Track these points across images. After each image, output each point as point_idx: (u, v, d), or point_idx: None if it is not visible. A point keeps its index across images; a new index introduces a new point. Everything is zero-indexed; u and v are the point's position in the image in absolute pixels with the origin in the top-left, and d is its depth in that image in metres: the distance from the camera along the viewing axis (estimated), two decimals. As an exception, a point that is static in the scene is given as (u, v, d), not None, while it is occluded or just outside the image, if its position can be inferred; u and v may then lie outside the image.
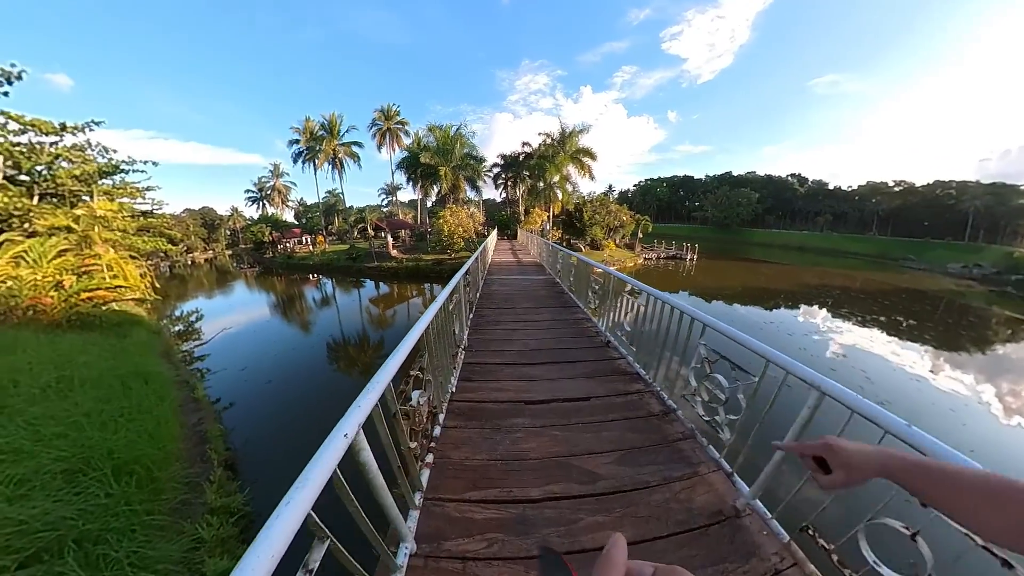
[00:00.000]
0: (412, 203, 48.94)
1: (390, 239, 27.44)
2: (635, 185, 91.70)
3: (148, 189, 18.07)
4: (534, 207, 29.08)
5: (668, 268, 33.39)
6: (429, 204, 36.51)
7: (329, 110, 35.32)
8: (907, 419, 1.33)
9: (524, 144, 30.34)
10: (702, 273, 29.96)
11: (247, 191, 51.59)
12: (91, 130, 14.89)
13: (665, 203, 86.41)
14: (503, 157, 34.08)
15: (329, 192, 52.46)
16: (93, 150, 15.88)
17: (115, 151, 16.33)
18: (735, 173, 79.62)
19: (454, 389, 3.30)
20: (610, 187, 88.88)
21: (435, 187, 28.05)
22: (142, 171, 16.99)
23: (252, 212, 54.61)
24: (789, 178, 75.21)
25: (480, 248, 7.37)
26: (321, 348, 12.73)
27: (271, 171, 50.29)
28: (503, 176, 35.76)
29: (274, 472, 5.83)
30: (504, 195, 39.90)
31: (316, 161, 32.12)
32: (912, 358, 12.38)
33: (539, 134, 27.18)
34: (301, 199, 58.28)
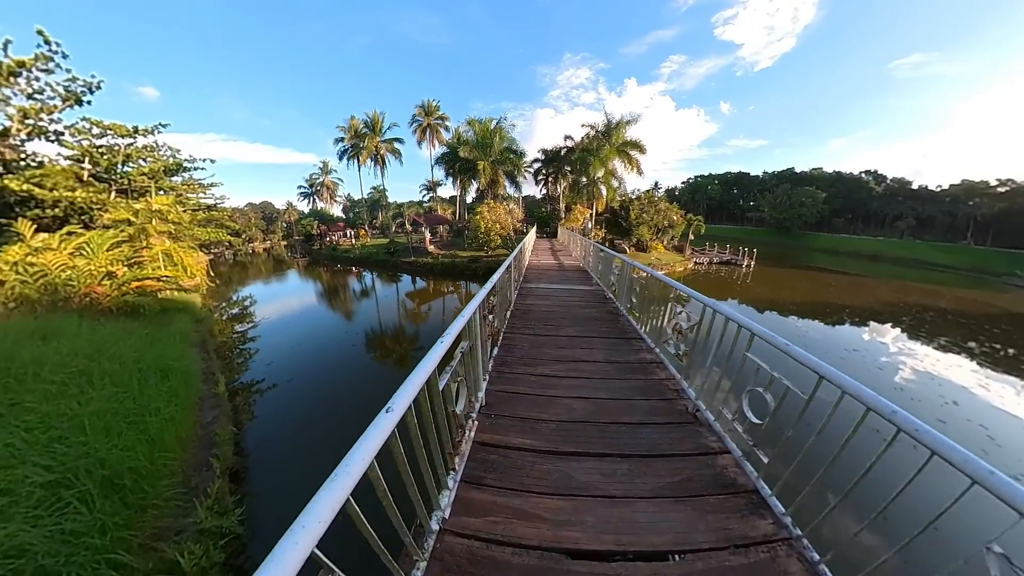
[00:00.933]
0: (452, 199, 49.49)
1: (427, 234, 27.46)
2: (683, 182, 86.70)
3: (212, 185, 19.22)
4: (576, 204, 27.77)
5: (720, 274, 30.70)
6: (469, 200, 36.39)
7: (377, 110, 35.98)
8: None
9: (566, 138, 29.14)
10: (759, 282, 27.14)
11: (299, 187, 54.62)
12: (159, 132, 15.90)
13: (716, 202, 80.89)
14: (543, 152, 33.03)
15: (374, 188, 54.29)
16: (161, 150, 17.02)
17: (179, 150, 17.37)
18: (798, 170, 72.43)
19: (446, 516, 1.95)
20: (656, 184, 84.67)
21: (474, 182, 27.70)
22: (202, 168, 18.00)
23: (305, 207, 57.89)
24: (863, 175, 67.28)
25: (515, 250, 6.35)
26: (359, 337, 13.16)
27: (320, 168, 52.75)
28: (543, 172, 34.71)
29: (284, 479, 5.45)
30: (544, 191, 38.85)
31: (359, 158, 32.91)
32: (1004, 391, 10.46)
33: (582, 125, 25.92)
34: (348, 195, 60.84)
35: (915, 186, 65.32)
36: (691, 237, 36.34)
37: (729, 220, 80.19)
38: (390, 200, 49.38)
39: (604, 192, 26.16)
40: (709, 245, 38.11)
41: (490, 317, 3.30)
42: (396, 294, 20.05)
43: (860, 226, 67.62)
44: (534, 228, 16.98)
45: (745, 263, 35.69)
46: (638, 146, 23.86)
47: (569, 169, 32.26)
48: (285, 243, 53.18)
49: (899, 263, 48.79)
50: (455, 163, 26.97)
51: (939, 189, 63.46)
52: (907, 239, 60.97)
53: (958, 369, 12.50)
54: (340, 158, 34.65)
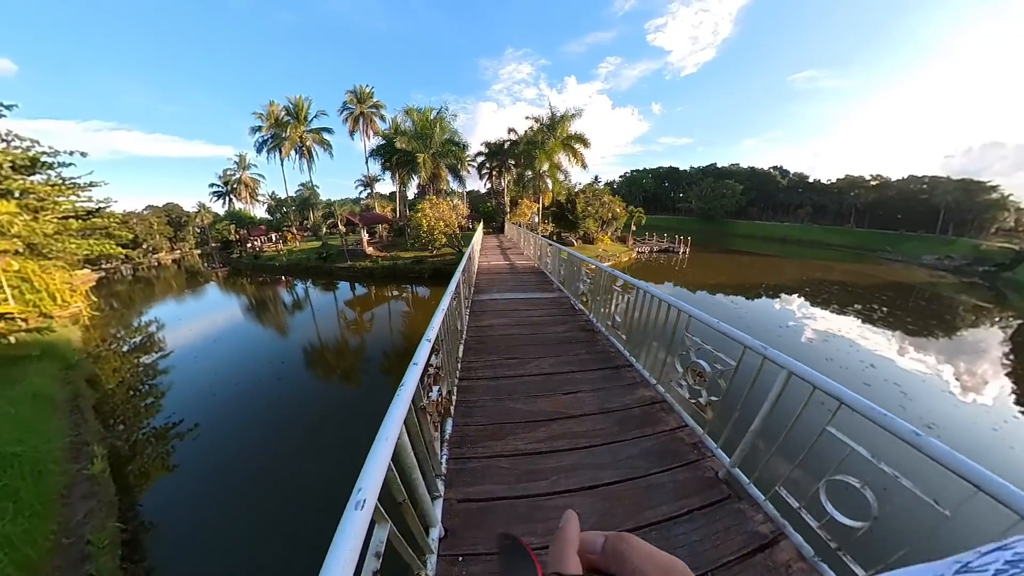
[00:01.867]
0: (393, 196, 45.95)
1: (365, 235, 24.74)
2: (621, 176, 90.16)
3: (92, 185, 15.07)
4: (522, 198, 26.85)
5: (660, 262, 32.56)
6: (411, 197, 33.92)
7: (301, 95, 31.55)
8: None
9: (510, 131, 28.02)
10: (693, 266, 30.07)
11: (211, 185, 47.17)
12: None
13: (651, 194, 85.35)
14: (487, 145, 31.64)
15: (303, 185, 48.28)
16: (6, 140, 12.81)
17: (36, 141, 13.25)
18: (719, 165, 79.04)
19: None
20: (596, 178, 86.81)
21: (414, 177, 25.46)
22: (71, 163, 14.00)
23: (220, 208, 50.45)
24: (771, 170, 75.01)
25: (463, 259, 4.89)
26: (295, 355, 11.40)
27: (236, 163, 45.95)
28: (487, 165, 33.36)
29: (204, 546, 4.33)
30: (488, 186, 37.54)
31: (281, 149, 29.05)
32: (880, 342, 13.34)
33: (527, 118, 24.89)
34: (273, 193, 54.04)
35: (811, 180, 73.84)
36: (633, 228, 37.39)
37: (662, 211, 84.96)
38: (322, 198, 44.53)
39: (550, 185, 25.49)
40: (648, 235, 39.71)
41: (435, 390, 2.05)
42: (334, 303, 17.76)
43: (770, 214, 75.22)
44: (481, 225, 15.71)
45: (681, 250, 37.77)
46: (582, 140, 23.45)
47: (513, 163, 31.24)
48: (199, 252, 46.28)
49: (802, 244, 57.31)
50: (392, 156, 24.54)
51: (829, 182, 72.36)
52: (807, 224, 69.30)
53: (848, 326, 15.50)
54: (259, 150, 30.37)
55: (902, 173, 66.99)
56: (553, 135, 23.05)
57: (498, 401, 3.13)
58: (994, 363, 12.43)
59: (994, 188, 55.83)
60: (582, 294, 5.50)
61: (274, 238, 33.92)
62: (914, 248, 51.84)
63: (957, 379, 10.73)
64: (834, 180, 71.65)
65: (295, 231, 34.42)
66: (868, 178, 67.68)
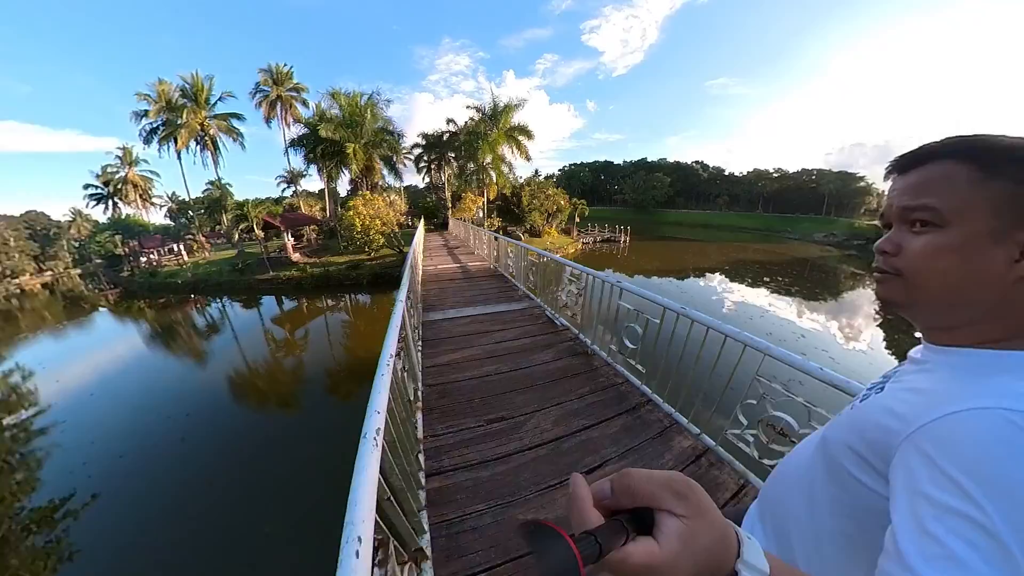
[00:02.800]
0: (323, 194, 41.06)
1: (289, 240, 21.20)
2: (560, 170, 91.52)
3: None
4: (465, 192, 25.15)
5: (603, 251, 33.21)
6: (344, 194, 30.49)
7: (199, 72, 25.96)
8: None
9: (449, 121, 26.11)
10: (634, 253, 32.10)
11: (87, 187, 37.36)
12: None
13: (589, 187, 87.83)
14: (425, 137, 29.39)
15: (211, 183, 39.63)
16: None
17: None
18: (649, 159, 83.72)
19: None
20: (536, 171, 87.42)
21: (344, 171, 22.54)
22: None
23: (103, 216, 40.87)
24: (694, 164, 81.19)
25: (406, 271, 3.68)
26: (216, 386, 9.25)
27: (119, 158, 37.43)
28: (425, 158, 31.11)
29: None
30: (428, 180, 35.24)
31: (176, 140, 24.17)
32: (784, 306, 16.26)
33: (467, 107, 23.10)
34: (173, 194, 45.53)
35: (727, 173, 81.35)
36: (577, 220, 37.59)
37: (600, 202, 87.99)
38: (238, 198, 38.14)
39: (494, 178, 24.12)
40: (591, 226, 40.37)
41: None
42: (259, 322, 14.87)
43: (694, 203, 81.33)
44: (422, 222, 13.98)
45: (623, 239, 38.91)
46: (526, 131, 22.34)
47: (454, 156, 29.38)
48: (79, 271, 37.85)
49: (721, 228, 63.21)
50: (317, 146, 21.36)
51: (741, 175, 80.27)
52: (724, 211, 76.31)
53: (760, 296, 18.01)
54: (147, 141, 24.90)
55: (797, 167, 77.50)
56: (496, 126, 21.63)
57: (496, 515, 1.83)
58: (867, 317, 15.36)
59: (861, 178, 67.19)
60: (565, 306, 4.35)
61: (177, 249, 28.25)
62: (807, 228, 60.43)
63: (841, 331, 13.36)
64: (745, 173, 79.74)
65: (203, 239, 29.10)
66: (771, 171, 76.43)
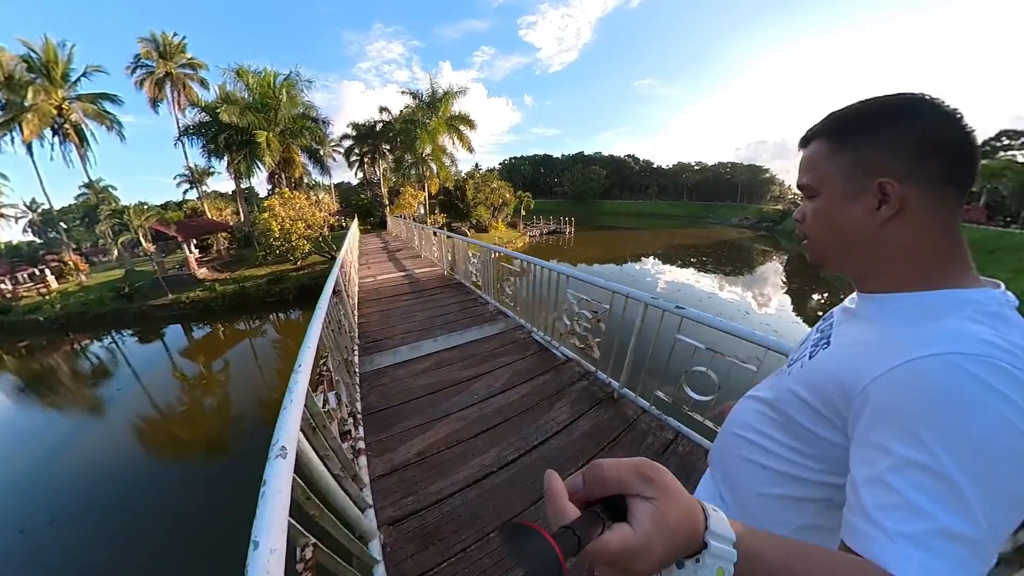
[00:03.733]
0: (243, 194, 35.00)
1: (193, 253, 17.08)
2: (500, 163, 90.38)
3: None
4: (405, 187, 22.92)
5: (551, 243, 33.27)
6: (265, 194, 26.36)
7: (49, 36, 18.72)
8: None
9: (383, 110, 23.53)
10: (579, 243, 33.21)
11: None
12: None
13: (529, 180, 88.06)
14: (355, 127, 26.43)
15: (87, 187, 30.33)
16: None
17: None
18: (586, 153, 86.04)
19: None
20: (476, 165, 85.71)
21: (259, 165, 19.03)
22: None
23: None
24: (626, 158, 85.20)
25: (323, 303, 2.05)
26: (119, 438, 7.31)
27: None
28: (357, 151, 28.15)
29: None
30: (360, 175, 32.13)
31: (22, 129, 18.75)
32: (708, 282, 18.57)
33: (402, 92, 20.66)
34: (32, 201, 35.92)
35: (655, 165, 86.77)
36: (523, 213, 36.89)
37: (541, 195, 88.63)
38: (125, 204, 30.60)
39: (435, 171, 22.21)
40: (536, 218, 40.04)
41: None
42: (165, 357, 11.45)
43: (628, 193, 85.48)
44: (355, 222, 11.84)
45: (568, 230, 39.17)
46: (468, 121, 20.65)
47: (388, 148, 26.86)
48: None
49: (653, 216, 67.94)
50: (219, 134, 17.66)
51: (667, 167, 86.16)
52: (654, 200, 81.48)
53: (687, 275, 20.29)
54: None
55: (714, 160, 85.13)
56: (435, 114, 19.69)
57: None
58: (775, 286, 18.08)
59: (766, 170, 77.27)
60: (571, 333, 3.22)
61: (39, 274, 21.17)
62: (725, 214, 68.31)
63: (755, 300, 15.40)
64: (670, 166, 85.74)
65: (76, 259, 22.42)
66: (693, 164, 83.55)
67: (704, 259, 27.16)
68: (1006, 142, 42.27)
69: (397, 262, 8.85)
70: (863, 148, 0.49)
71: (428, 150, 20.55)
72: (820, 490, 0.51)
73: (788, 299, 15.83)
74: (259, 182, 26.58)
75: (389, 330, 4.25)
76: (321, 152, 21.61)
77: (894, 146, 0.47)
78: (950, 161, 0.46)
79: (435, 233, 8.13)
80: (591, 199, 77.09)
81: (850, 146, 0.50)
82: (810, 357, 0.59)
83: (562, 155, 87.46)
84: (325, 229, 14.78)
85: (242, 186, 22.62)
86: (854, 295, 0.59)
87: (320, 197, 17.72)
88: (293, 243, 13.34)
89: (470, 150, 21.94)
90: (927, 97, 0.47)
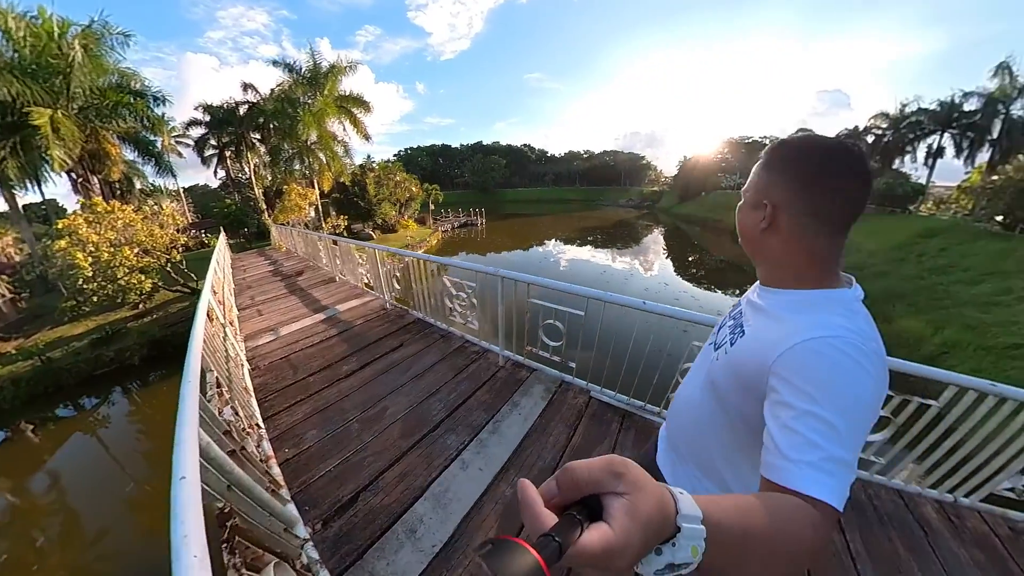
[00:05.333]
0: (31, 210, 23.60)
1: None
2: (395, 155, 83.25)
3: None
4: (289, 185, 18.13)
5: (464, 237, 31.96)
6: (72, 207, 18.20)
7: None
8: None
9: (247, 87, 18.24)
10: (491, 234, 33.32)
11: None
12: None
13: (428, 172, 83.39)
14: (208, 110, 20.26)
15: None
16: None
17: None
18: (485, 143, 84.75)
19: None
20: (369, 157, 77.51)
21: (44, 164, 12.67)
22: None
23: None
24: (523, 147, 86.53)
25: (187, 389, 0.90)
26: None
27: None
28: (214, 142, 21.87)
29: None
30: (222, 173, 25.45)
31: None
32: (603, 257, 21.03)
33: (275, 63, 15.70)
34: None
35: (550, 154, 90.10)
36: (431, 207, 33.95)
37: (442, 187, 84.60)
38: None
39: (325, 161, 18.04)
40: (444, 212, 37.45)
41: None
42: None
43: (527, 181, 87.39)
44: (222, 237, 8.03)
45: (479, 222, 37.62)
46: (363, 103, 17.00)
47: (259, 138, 21.40)
48: None
49: (551, 202, 71.05)
50: None
51: (560, 156, 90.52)
52: (551, 187, 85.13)
53: (585, 252, 22.86)
54: None
55: (600, 149, 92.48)
56: (319, 93, 15.64)
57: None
58: (657, 254, 21.42)
59: (643, 157, 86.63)
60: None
61: None
62: (613, 196, 75.70)
63: (642, 267, 18.17)
64: (563, 154, 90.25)
65: None
66: (583, 152, 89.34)
67: (599, 237, 30.36)
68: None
69: (305, 295, 6.11)
70: (774, 174, 0.65)
71: (314, 137, 16.50)
72: (756, 444, 0.61)
73: (669, 263, 19.49)
74: (65, 192, 18.65)
75: (357, 479, 2.14)
76: (160, 143, 15.66)
77: (783, 179, 0.63)
78: (815, 200, 0.61)
79: (340, 243, 5.75)
80: (493, 189, 76.53)
81: (770, 168, 0.66)
82: (731, 344, 0.73)
83: (461, 145, 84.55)
84: (176, 252, 10.22)
85: (20, 201, 15.04)
86: (756, 288, 0.75)
87: (163, 207, 11.91)
88: (121, 281, 8.65)
89: (366, 138, 18.47)
90: (834, 145, 0.60)
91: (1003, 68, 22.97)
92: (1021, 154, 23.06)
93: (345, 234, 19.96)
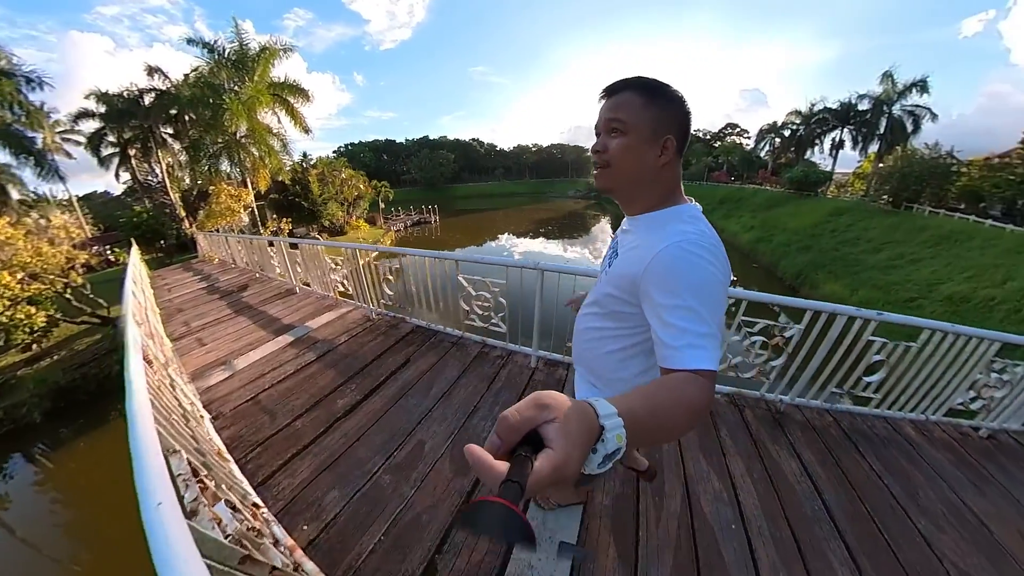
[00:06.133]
0: None
1: None
2: (335, 151, 77.14)
3: None
4: (217, 185, 15.53)
5: (420, 235, 31.13)
6: None
7: None
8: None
9: (153, 71, 15.34)
10: (446, 231, 32.95)
11: None
12: None
13: (372, 168, 78.48)
14: (103, 99, 16.90)
15: None
16: None
17: None
18: (432, 137, 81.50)
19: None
20: (305, 154, 70.99)
21: None
22: None
23: None
24: (472, 141, 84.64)
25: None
26: None
27: None
28: (113, 138, 18.44)
29: None
30: (127, 175, 21.70)
31: None
32: (555, 247, 23.13)
33: (190, 42, 13.16)
34: None
35: (498, 148, 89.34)
36: (381, 206, 31.91)
37: (389, 184, 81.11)
38: None
39: (258, 156, 15.78)
40: (395, 211, 35.49)
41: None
42: None
43: (477, 176, 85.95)
44: (134, 251, 6.28)
45: (434, 219, 36.20)
46: (301, 91, 15.02)
47: (172, 132, 18.40)
48: None
49: (502, 196, 70.79)
50: None
51: (509, 149, 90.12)
52: (502, 181, 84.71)
53: (537, 244, 24.81)
54: None
55: (547, 142, 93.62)
56: (248, 78, 13.50)
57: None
58: (604, 242, 21.94)
59: (586, 149, 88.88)
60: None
61: None
62: (562, 187, 77.41)
63: (590, 254, 19.14)
64: (511, 148, 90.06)
65: None
66: (531, 146, 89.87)
67: (550, 228, 31.77)
68: (729, 131, 64.55)
69: (258, 314, 5.07)
70: (664, 110, 0.71)
71: (244, 130, 14.38)
72: (642, 343, 0.82)
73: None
74: None
75: (421, 543, 1.58)
76: (40, 140, 12.66)
77: (678, 116, 0.72)
78: (686, 137, 0.74)
79: (336, 250, 4.89)
80: (442, 185, 74.00)
81: (657, 105, 0.70)
82: (610, 265, 0.86)
83: (406, 140, 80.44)
84: (75, 274, 8.15)
85: None
86: (626, 219, 0.85)
87: (51, 220, 9.15)
88: (1, 318, 6.63)
89: (306, 131, 16.60)
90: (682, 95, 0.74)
91: (887, 75, 26.47)
92: (899, 146, 27.16)
93: (289, 234, 17.91)
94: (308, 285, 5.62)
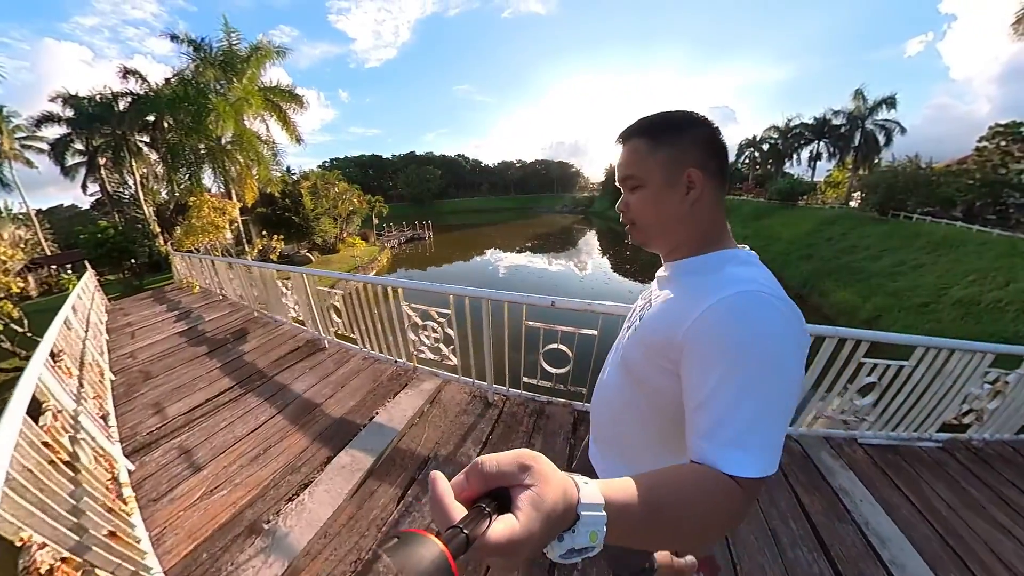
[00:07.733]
0: None
1: None
2: (320, 166, 74.77)
3: None
4: (199, 197, 13.26)
5: (413, 251, 30.13)
6: None
7: None
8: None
9: (129, 74, 13.32)
10: (439, 247, 32.13)
11: None
12: None
13: (359, 184, 76.65)
14: (71, 102, 14.72)
15: None
16: None
17: None
18: (418, 153, 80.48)
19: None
20: (288, 169, 68.13)
21: None
22: None
23: None
24: (458, 157, 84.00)
25: None
26: None
27: None
28: (81, 145, 16.22)
29: None
30: (96, 187, 19.38)
31: None
32: (541, 261, 22.73)
33: (173, 38, 11.22)
34: None
35: (484, 164, 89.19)
36: (375, 221, 30.15)
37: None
38: None
39: (243, 163, 13.81)
40: (386, 227, 33.84)
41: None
42: None
43: (464, 192, 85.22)
44: (89, 276, 4.75)
45: (427, 235, 34.72)
46: (295, 97, 13.43)
47: (147, 141, 16.35)
48: None
49: (490, 212, 70.89)
50: None
51: (494, 166, 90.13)
52: (488, 197, 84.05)
53: (523, 259, 24.34)
54: None
55: (532, 158, 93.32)
56: (237, 79, 11.75)
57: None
58: (588, 255, 22.83)
59: (572, 166, 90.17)
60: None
61: None
62: (548, 203, 77.11)
63: (576, 267, 19.17)
64: (496, 164, 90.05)
65: None
66: (515, 162, 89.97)
67: (537, 243, 31.43)
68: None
69: (279, 390, 3.44)
70: (675, 145, 0.59)
71: (229, 135, 12.54)
72: (673, 426, 0.60)
73: (605, 261, 21.16)
74: None
75: None
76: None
77: (695, 141, 0.59)
78: (720, 158, 0.60)
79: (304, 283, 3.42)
80: (430, 200, 72.59)
81: (665, 143, 0.59)
82: (640, 319, 0.67)
83: (393, 155, 78.96)
84: (9, 305, 6.19)
85: None
86: (664, 265, 0.69)
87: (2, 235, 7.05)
88: None
89: (297, 140, 14.94)
90: (692, 111, 0.61)
91: (859, 93, 27.32)
92: (876, 156, 27.95)
93: (276, 258, 15.95)
94: (340, 336, 3.80)
